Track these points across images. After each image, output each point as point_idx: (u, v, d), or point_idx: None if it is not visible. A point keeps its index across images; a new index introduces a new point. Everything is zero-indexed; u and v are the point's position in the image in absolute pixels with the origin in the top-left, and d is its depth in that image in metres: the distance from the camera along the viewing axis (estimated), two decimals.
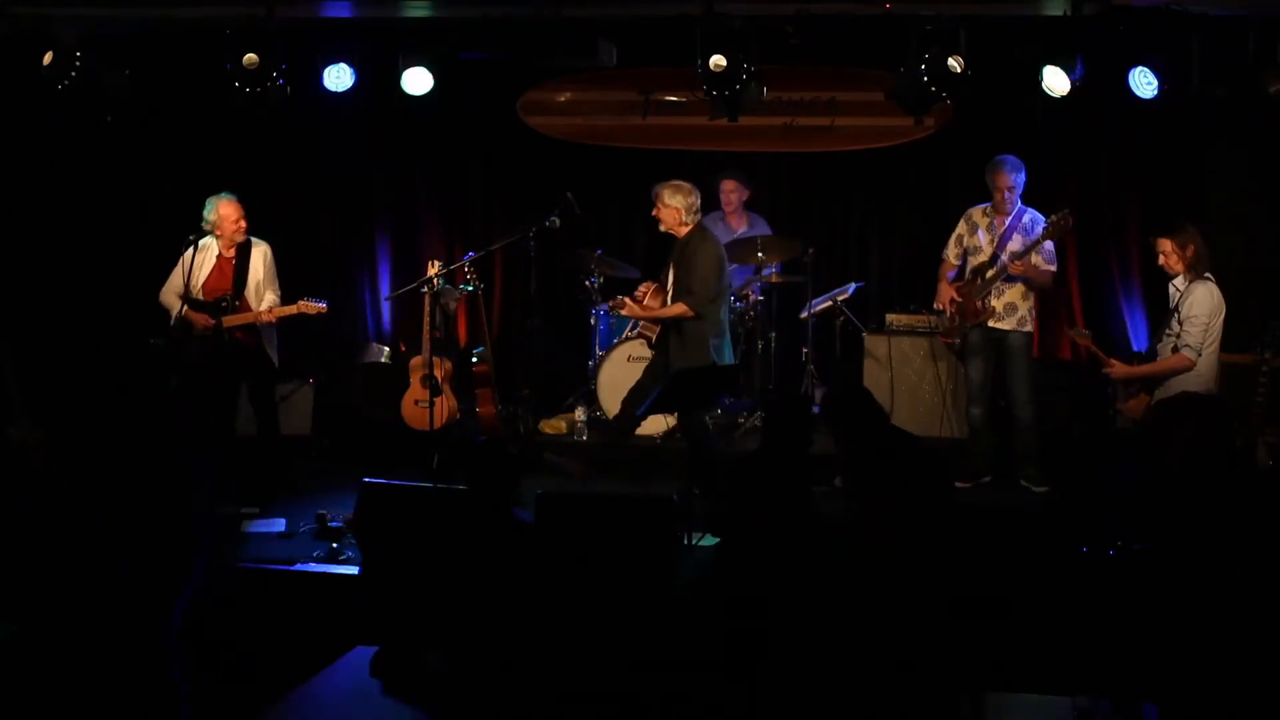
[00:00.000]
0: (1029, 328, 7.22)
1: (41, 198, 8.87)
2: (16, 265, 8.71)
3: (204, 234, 7.07)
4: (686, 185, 6.77)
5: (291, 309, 7.06)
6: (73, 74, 7.36)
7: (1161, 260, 6.46)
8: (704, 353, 6.66)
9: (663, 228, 6.81)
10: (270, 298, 7.13)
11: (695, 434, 6.86)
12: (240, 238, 7.09)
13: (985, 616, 4.22)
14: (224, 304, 7.01)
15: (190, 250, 7.01)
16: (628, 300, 7.05)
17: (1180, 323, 6.28)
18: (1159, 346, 6.48)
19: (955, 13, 7.05)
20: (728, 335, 6.87)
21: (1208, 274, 6.35)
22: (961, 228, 7.36)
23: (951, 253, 7.39)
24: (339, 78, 7.86)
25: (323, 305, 7.09)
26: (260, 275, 7.12)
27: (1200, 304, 6.24)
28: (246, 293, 7.08)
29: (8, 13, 7.50)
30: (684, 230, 6.73)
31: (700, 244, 6.71)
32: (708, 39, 7.14)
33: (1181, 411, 6.31)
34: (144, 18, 7.65)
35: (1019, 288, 7.13)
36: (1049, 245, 7.11)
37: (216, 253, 7.11)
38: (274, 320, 7.06)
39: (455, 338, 8.68)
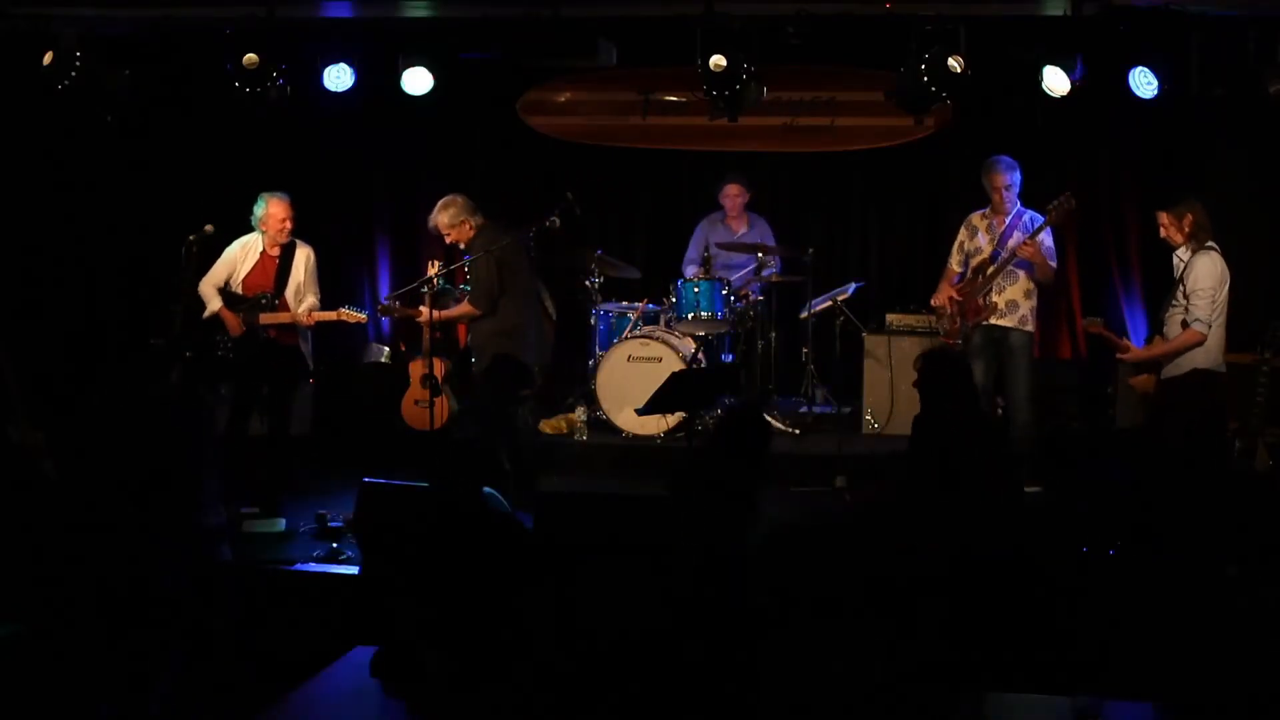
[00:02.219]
0: (1030, 327, 7.20)
1: (42, 198, 8.87)
2: (17, 265, 8.72)
3: (204, 236, 7.06)
4: (446, 199, 7.01)
5: (331, 315, 7.05)
6: (73, 74, 7.36)
7: (1162, 234, 6.45)
8: (495, 346, 6.89)
9: (464, 245, 7.01)
10: (311, 300, 7.12)
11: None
12: (284, 238, 7.07)
13: (985, 616, 4.22)
14: (263, 301, 7.02)
15: (235, 246, 7.09)
16: (423, 308, 7.20)
17: (1186, 296, 6.27)
18: (1165, 318, 6.46)
19: (955, 13, 7.05)
20: (531, 330, 7.01)
21: (1211, 244, 6.34)
22: (962, 234, 7.34)
23: (954, 260, 7.37)
24: (339, 78, 7.86)
25: (363, 315, 7.10)
26: (301, 277, 7.11)
27: (1205, 276, 6.21)
28: (286, 293, 7.07)
29: (8, 13, 7.50)
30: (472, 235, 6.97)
31: (478, 248, 6.91)
32: (708, 39, 7.14)
33: (1176, 393, 6.36)
34: (144, 18, 7.65)
35: (1021, 285, 7.11)
36: (1049, 242, 7.10)
37: (261, 250, 7.11)
38: (312, 323, 7.06)
39: (455, 338, 8.68)
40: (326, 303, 7.15)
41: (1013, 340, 7.14)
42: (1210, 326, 6.22)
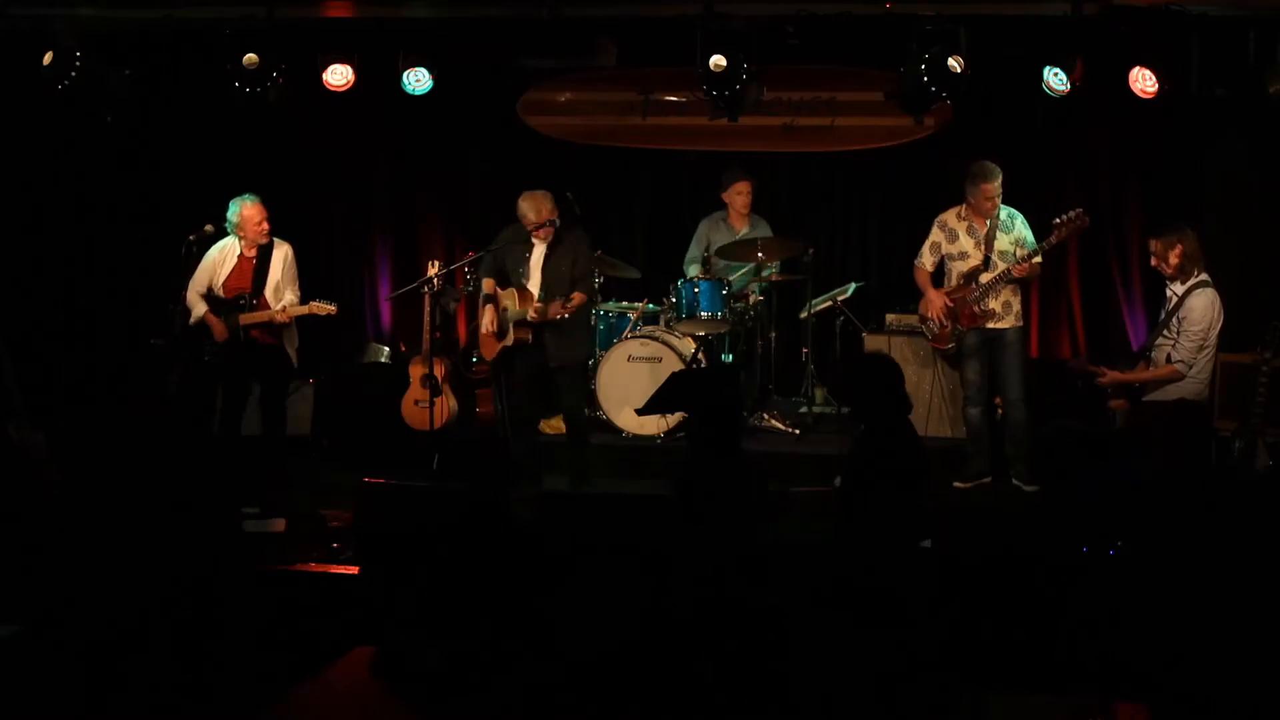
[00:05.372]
0: (1023, 322, 7.21)
1: (42, 198, 8.87)
2: (17, 265, 8.71)
3: (204, 236, 7.07)
4: (539, 193, 6.92)
5: (303, 309, 7.10)
6: (73, 74, 7.37)
7: (1153, 262, 6.46)
8: (585, 341, 7.19)
9: (545, 236, 6.92)
10: (289, 297, 7.15)
11: (576, 424, 7.20)
12: (263, 239, 7.12)
13: (985, 616, 4.22)
14: (242, 302, 7.05)
15: (214, 250, 7.11)
16: (574, 297, 7.06)
17: (1178, 333, 6.28)
18: (1153, 345, 6.47)
19: (955, 13, 7.06)
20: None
21: (1205, 276, 6.33)
22: (937, 234, 7.29)
23: (928, 260, 7.32)
24: (339, 78, 7.86)
25: (333, 307, 7.11)
26: (279, 275, 7.14)
27: (1200, 317, 6.23)
28: (265, 292, 7.11)
29: (8, 13, 7.51)
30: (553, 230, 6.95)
31: (580, 236, 7.02)
32: (708, 39, 7.15)
33: (1158, 419, 6.37)
34: (144, 18, 7.65)
35: (1010, 285, 7.11)
36: (1028, 236, 7.08)
37: (238, 252, 7.14)
38: (288, 320, 7.09)
39: (455, 338, 8.68)
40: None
41: (1009, 338, 7.13)
42: (1191, 367, 6.25)
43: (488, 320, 7.12)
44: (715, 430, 5.28)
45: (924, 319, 7.38)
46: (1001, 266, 7.03)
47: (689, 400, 6.42)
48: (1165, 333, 6.37)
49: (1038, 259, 7.00)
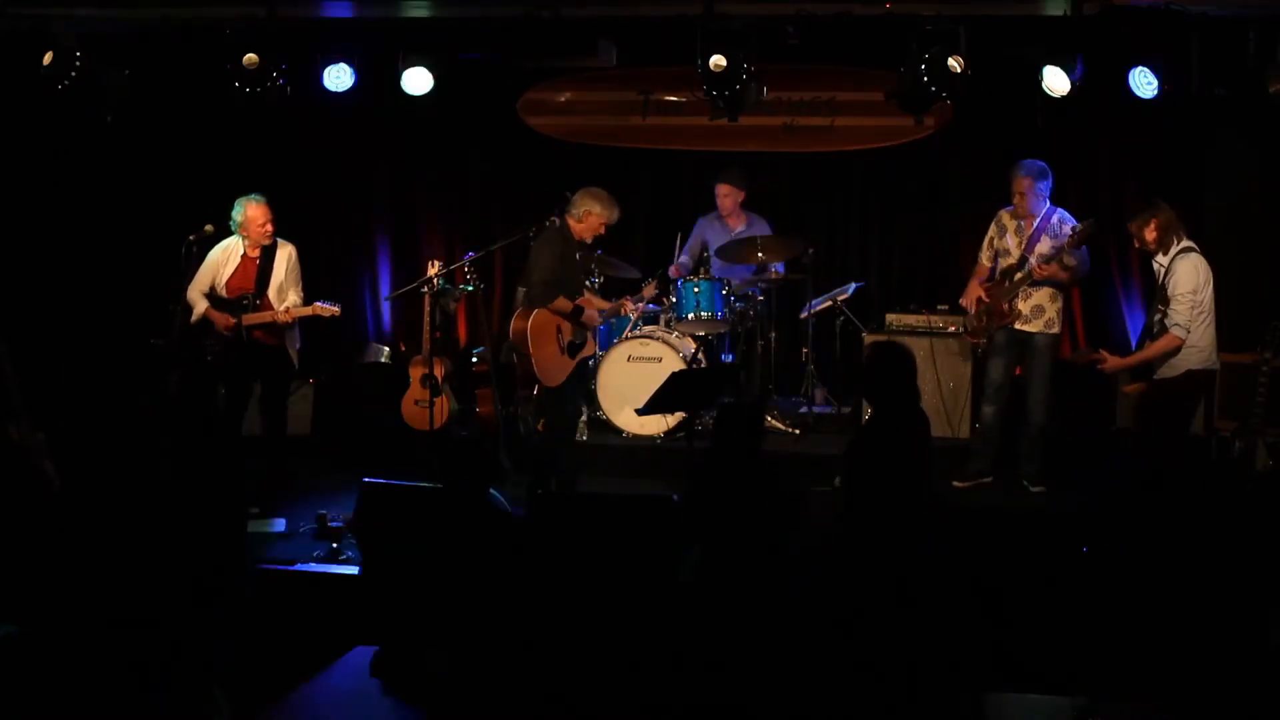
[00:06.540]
0: (1055, 330, 7.17)
1: (42, 198, 8.87)
2: (17, 265, 8.72)
3: (204, 236, 7.07)
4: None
5: (307, 310, 7.09)
6: (73, 74, 7.37)
7: (1135, 243, 6.52)
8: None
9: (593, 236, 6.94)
10: (292, 298, 7.14)
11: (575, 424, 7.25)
12: (267, 240, 7.11)
13: (985, 616, 4.22)
14: (245, 302, 7.05)
15: (216, 250, 7.11)
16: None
17: (1168, 300, 6.30)
18: (1154, 323, 6.48)
19: (955, 13, 7.05)
20: None
21: (1189, 244, 6.35)
22: (992, 231, 7.32)
23: (984, 255, 7.36)
24: (339, 78, 7.87)
25: (336, 308, 7.11)
26: (282, 276, 7.13)
27: (1185, 280, 6.24)
28: (269, 292, 7.10)
29: (8, 13, 7.51)
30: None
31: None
32: (708, 39, 7.14)
33: (1170, 394, 6.38)
34: (144, 18, 7.65)
35: (1046, 290, 7.09)
36: (1081, 251, 7.07)
37: (242, 252, 7.14)
38: (291, 321, 7.08)
39: (455, 338, 8.68)
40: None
41: (1037, 342, 7.13)
42: (1189, 330, 6.23)
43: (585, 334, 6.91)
44: (742, 432, 5.29)
45: (966, 311, 7.43)
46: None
47: (689, 400, 6.44)
48: (1160, 306, 6.39)
49: (1065, 261, 6.97)
